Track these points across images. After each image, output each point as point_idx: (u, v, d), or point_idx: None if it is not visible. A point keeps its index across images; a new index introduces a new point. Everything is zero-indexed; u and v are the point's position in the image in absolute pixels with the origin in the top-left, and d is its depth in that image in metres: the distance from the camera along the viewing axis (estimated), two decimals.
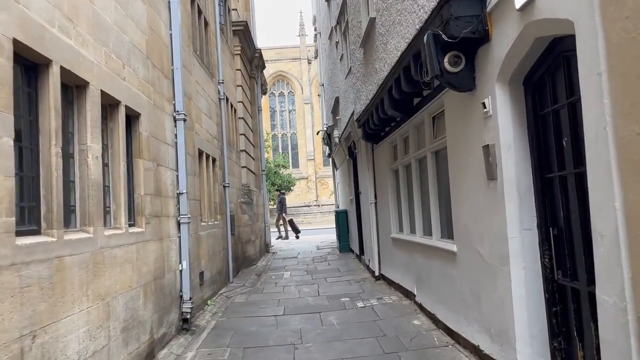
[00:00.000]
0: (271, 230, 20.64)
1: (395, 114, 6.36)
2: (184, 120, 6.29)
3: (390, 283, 8.19)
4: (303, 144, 46.89)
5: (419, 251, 6.26)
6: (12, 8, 2.87)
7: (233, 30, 12.61)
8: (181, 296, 5.98)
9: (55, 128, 3.30)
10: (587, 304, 3.06)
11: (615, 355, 2.41)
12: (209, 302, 7.47)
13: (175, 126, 6.18)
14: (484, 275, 4.13)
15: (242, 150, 12.63)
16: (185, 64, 6.92)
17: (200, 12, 8.73)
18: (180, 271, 6.02)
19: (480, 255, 4.18)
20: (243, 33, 13.09)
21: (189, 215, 6.25)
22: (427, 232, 6.07)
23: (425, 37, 3.97)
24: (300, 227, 22.08)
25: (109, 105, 4.36)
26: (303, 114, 46.90)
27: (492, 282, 3.95)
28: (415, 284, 6.54)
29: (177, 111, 6.19)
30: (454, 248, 4.83)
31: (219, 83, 9.74)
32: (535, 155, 3.57)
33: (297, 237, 20.45)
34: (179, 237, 6.07)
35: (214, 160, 8.84)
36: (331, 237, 18.55)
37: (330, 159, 19.05)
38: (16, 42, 2.89)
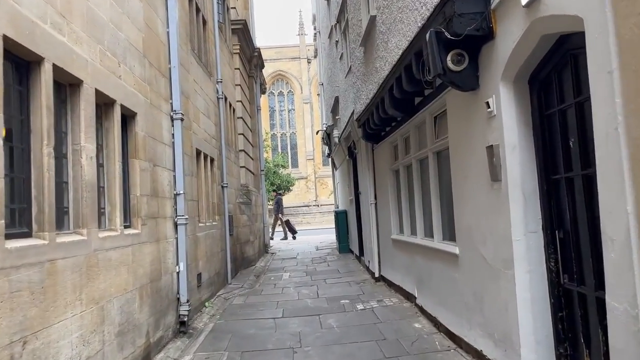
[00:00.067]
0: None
1: (396, 113, 6.28)
2: (182, 119, 6.20)
3: (391, 285, 8.10)
4: (302, 144, 46.80)
5: (420, 253, 6.18)
6: (2, 3, 2.78)
7: (232, 29, 12.53)
8: (178, 298, 5.89)
9: (47, 127, 3.21)
10: (594, 309, 2.97)
11: None
12: (206, 304, 7.39)
13: (173, 126, 6.09)
14: (487, 279, 4.04)
15: (240, 150, 12.53)
16: (183, 62, 6.82)
17: (198, 9, 8.62)
18: (178, 273, 5.93)
19: (483, 258, 4.09)
20: (242, 32, 12.99)
21: (187, 216, 6.16)
22: (429, 233, 5.99)
23: (427, 35, 3.90)
24: (299, 228, 22.09)
25: (103, 104, 4.27)
26: (302, 114, 46.82)
27: (496, 285, 3.86)
28: (416, 286, 6.45)
29: (175, 110, 6.09)
30: (456, 250, 4.74)
31: (218, 82, 9.65)
32: (540, 156, 3.49)
33: (294, 238, 20.44)
34: (176, 238, 5.97)
35: (212, 160, 8.74)
36: (330, 237, 18.47)
37: (330, 159, 18.97)
38: (6, 39, 2.81)
